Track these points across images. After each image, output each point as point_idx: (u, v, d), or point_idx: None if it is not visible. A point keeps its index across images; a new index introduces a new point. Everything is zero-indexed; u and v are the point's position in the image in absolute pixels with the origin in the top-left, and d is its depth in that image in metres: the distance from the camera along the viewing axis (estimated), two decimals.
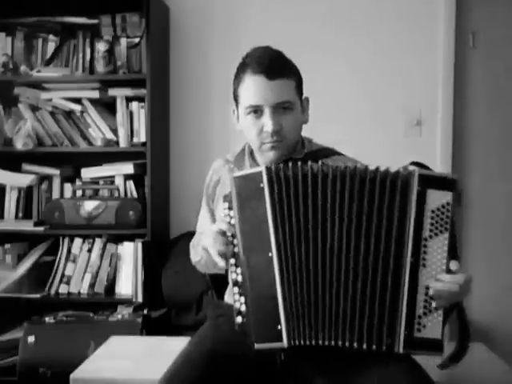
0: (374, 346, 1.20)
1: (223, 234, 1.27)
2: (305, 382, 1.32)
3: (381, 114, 2.74)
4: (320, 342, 1.21)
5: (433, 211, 1.23)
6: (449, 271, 1.21)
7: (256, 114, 1.37)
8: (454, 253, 1.27)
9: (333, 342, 1.21)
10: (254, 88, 1.36)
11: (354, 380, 1.24)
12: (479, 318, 2.77)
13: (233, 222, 1.28)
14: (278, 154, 1.39)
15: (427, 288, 1.21)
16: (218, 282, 1.60)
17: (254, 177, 1.26)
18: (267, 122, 1.35)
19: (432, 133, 2.74)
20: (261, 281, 1.24)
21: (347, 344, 1.20)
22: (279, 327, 1.21)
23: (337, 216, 1.22)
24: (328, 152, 1.50)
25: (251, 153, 1.52)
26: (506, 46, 2.74)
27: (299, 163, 1.25)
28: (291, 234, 1.22)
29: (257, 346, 1.23)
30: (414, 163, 1.39)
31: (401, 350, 1.20)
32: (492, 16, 2.73)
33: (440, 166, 2.72)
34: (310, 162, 1.25)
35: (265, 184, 1.24)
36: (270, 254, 1.23)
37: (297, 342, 1.21)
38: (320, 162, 1.29)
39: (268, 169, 1.24)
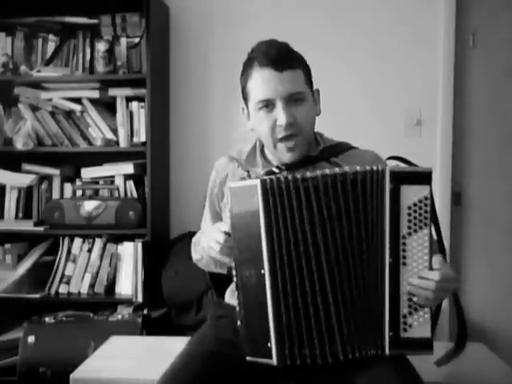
0: (364, 353, 1.19)
1: (226, 233, 1.26)
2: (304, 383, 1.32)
3: (381, 114, 2.74)
4: (312, 361, 1.19)
5: (409, 207, 1.20)
6: (431, 268, 1.19)
7: (267, 109, 1.33)
8: (440, 247, 1.26)
9: (326, 359, 1.19)
10: (263, 82, 1.32)
11: (348, 380, 1.23)
12: (479, 318, 2.77)
13: None
14: (295, 155, 1.36)
15: (410, 286, 1.19)
16: (218, 281, 1.60)
17: (249, 189, 1.22)
18: (280, 114, 1.31)
19: (432, 133, 2.74)
20: (252, 297, 1.22)
21: (341, 357, 1.18)
22: (269, 345, 1.20)
23: (319, 229, 1.18)
24: (342, 147, 1.47)
25: (262, 150, 1.48)
26: (506, 46, 2.74)
27: (289, 176, 1.19)
28: (284, 250, 1.19)
29: (248, 358, 1.23)
30: (393, 158, 1.37)
31: (387, 351, 1.19)
32: (492, 16, 2.73)
33: (440, 165, 2.72)
34: (299, 174, 1.20)
35: (259, 197, 1.19)
36: (262, 271, 1.20)
37: (287, 362, 1.19)
38: (308, 171, 1.24)
39: (263, 182, 1.19)
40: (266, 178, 1.21)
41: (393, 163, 1.33)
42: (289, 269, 1.19)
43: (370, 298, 1.20)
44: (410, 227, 1.20)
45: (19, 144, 2.57)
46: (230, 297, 1.53)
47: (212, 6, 2.81)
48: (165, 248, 2.64)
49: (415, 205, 1.20)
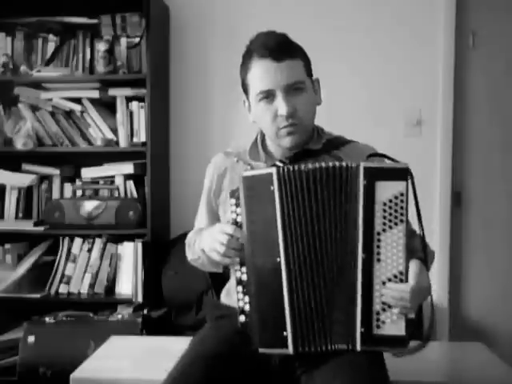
0: (336, 346, 1.21)
1: (230, 235, 1.26)
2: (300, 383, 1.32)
3: (381, 114, 2.74)
4: (324, 348, 1.21)
5: (385, 203, 1.19)
6: (407, 270, 1.19)
7: (268, 99, 1.33)
8: (422, 244, 1.25)
9: (330, 347, 1.21)
10: (262, 73, 1.32)
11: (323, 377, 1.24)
12: (479, 318, 2.77)
13: (239, 219, 1.27)
14: (295, 139, 1.36)
15: (384, 283, 1.19)
16: (219, 281, 1.60)
17: (263, 178, 1.24)
18: (281, 105, 1.31)
19: (432, 133, 2.74)
20: (267, 285, 1.23)
21: (334, 347, 1.21)
22: (285, 334, 1.21)
23: (307, 219, 1.22)
24: (343, 140, 1.48)
25: (262, 143, 1.48)
26: (506, 46, 2.74)
27: (302, 166, 1.22)
28: (299, 239, 1.22)
29: (261, 350, 1.24)
30: (375, 155, 1.38)
31: (358, 347, 1.19)
32: (492, 16, 2.73)
33: (440, 165, 2.72)
34: (304, 164, 1.23)
35: (275, 186, 1.22)
36: (277, 259, 1.22)
37: (301, 349, 1.21)
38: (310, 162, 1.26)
39: (278, 170, 1.22)
40: (280, 165, 1.25)
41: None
42: (299, 258, 1.22)
43: (341, 293, 1.21)
44: (385, 223, 1.19)
45: (19, 144, 2.57)
46: (226, 297, 1.52)
47: (212, 5, 2.81)
48: (165, 248, 2.64)
49: (390, 201, 1.19)
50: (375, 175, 1.20)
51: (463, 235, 2.79)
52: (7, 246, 2.64)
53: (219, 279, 1.59)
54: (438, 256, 2.71)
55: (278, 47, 1.31)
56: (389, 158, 1.35)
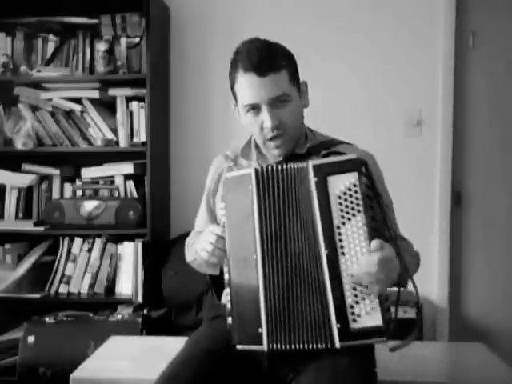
0: (316, 345, 1.20)
1: (219, 236, 1.29)
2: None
3: (381, 114, 2.74)
4: (296, 347, 1.21)
5: (339, 197, 1.21)
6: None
7: (254, 111, 1.37)
8: (378, 232, 1.23)
9: (307, 346, 1.21)
10: (247, 87, 1.35)
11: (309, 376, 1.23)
12: (479, 317, 2.77)
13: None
14: (282, 150, 1.40)
15: (352, 276, 1.19)
16: (218, 282, 1.60)
17: (243, 178, 1.28)
18: (266, 118, 1.35)
19: (432, 133, 2.74)
20: (243, 283, 1.25)
21: (313, 347, 1.20)
22: (260, 330, 1.22)
23: (281, 218, 1.24)
24: (329, 143, 1.49)
25: (256, 144, 1.50)
26: (506, 46, 2.74)
27: (279, 166, 1.26)
28: (273, 237, 1.24)
29: (238, 347, 1.25)
30: (330, 154, 1.40)
31: (337, 344, 1.18)
32: (492, 16, 2.73)
33: (440, 165, 2.72)
34: (277, 165, 1.27)
35: (253, 185, 1.25)
36: (254, 256, 1.24)
37: (275, 346, 1.21)
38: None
39: (256, 170, 1.26)
40: (258, 167, 1.28)
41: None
42: (273, 256, 1.23)
43: (311, 291, 1.21)
44: (343, 216, 1.21)
45: (19, 144, 2.57)
46: (225, 297, 1.53)
47: (212, 6, 2.81)
48: (165, 248, 2.64)
49: (344, 193, 1.21)
50: (325, 171, 1.22)
51: (463, 235, 2.79)
52: (7, 246, 2.64)
53: (219, 280, 1.59)
54: (438, 256, 2.72)
55: (260, 61, 1.33)
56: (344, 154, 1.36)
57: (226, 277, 1.29)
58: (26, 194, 2.70)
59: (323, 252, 1.20)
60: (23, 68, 2.64)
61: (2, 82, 2.67)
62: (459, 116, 2.75)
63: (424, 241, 2.63)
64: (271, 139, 1.38)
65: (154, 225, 2.58)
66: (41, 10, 2.64)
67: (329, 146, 1.47)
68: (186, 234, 1.61)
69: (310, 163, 1.24)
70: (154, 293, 2.53)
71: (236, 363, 1.29)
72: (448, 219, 2.73)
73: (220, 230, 1.30)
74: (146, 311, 2.41)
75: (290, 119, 1.37)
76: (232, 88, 1.44)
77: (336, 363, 1.20)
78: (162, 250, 2.62)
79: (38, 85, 2.64)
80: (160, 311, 2.49)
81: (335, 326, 1.18)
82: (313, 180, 1.22)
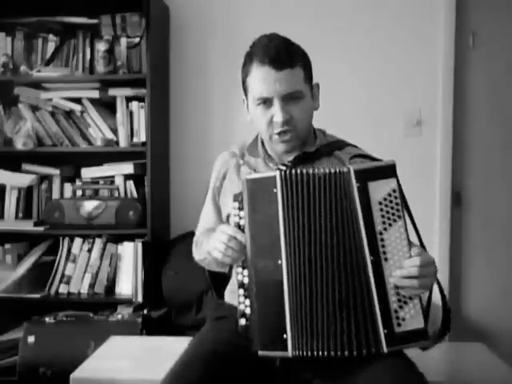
0: (362, 351, 1.19)
1: (232, 236, 1.27)
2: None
3: (381, 114, 2.75)
4: (320, 354, 1.21)
5: (380, 203, 1.21)
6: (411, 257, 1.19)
7: (265, 105, 1.36)
8: (417, 237, 1.26)
9: (332, 353, 1.20)
10: (261, 80, 1.34)
11: (346, 380, 1.23)
12: (479, 317, 2.77)
13: (242, 222, 1.28)
14: (287, 146, 1.39)
15: (396, 280, 1.19)
16: (218, 280, 1.60)
17: (267, 180, 1.25)
18: (277, 112, 1.34)
19: (432, 133, 2.74)
20: (268, 288, 1.23)
21: (339, 354, 1.20)
22: (285, 336, 1.21)
23: (310, 223, 1.22)
24: (340, 144, 1.49)
25: (263, 141, 1.50)
26: (506, 46, 2.74)
27: (304, 170, 1.23)
28: (301, 242, 1.22)
29: (260, 353, 1.23)
30: (359, 156, 1.40)
31: (385, 349, 1.19)
32: (492, 16, 2.73)
33: (440, 165, 2.72)
34: (302, 169, 1.24)
35: (278, 188, 1.23)
36: (279, 262, 1.22)
37: (300, 353, 1.21)
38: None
39: (281, 173, 1.24)
40: (282, 169, 1.26)
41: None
42: (301, 261, 1.22)
43: (353, 298, 1.21)
44: (384, 222, 1.21)
45: (19, 144, 2.57)
46: (230, 297, 1.53)
47: (212, 6, 2.81)
48: (165, 248, 2.64)
49: (385, 199, 1.21)
50: (366, 176, 1.21)
51: (463, 235, 2.79)
52: (7, 246, 2.64)
53: (219, 279, 1.59)
54: (438, 256, 2.72)
55: (279, 55, 1.32)
56: (373, 158, 1.37)
57: (240, 278, 1.27)
58: (26, 193, 2.69)
59: (368, 258, 1.20)
60: (23, 68, 2.64)
61: (2, 81, 2.67)
62: (459, 116, 2.75)
63: (424, 241, 2.62)
64: (279, 134, 1.37)
65: (154, 225, 2.58)
66: (41, 10, 2.64)
67: (338, 147, 1.47)
68: (186, 234, 1.61)
69: (352, 168, 1.22)
70: (154, 293, 2.53)
71: (242, 365, 1.29)
72: (448, 219, 2.73)
73: (232, 230, 1.28)
74: (146, 311, 2.41)
75: (299, 116, 1.37)
76: (244, 81, 1.42)
77: (393, 365, 1.19)
78: (162, 250, 2.62)
79: (38, 85, 2.64)
80: (160, 311, 2.49)
81: (382, 331, 1.19)
82: (355, 185, 1.21)
